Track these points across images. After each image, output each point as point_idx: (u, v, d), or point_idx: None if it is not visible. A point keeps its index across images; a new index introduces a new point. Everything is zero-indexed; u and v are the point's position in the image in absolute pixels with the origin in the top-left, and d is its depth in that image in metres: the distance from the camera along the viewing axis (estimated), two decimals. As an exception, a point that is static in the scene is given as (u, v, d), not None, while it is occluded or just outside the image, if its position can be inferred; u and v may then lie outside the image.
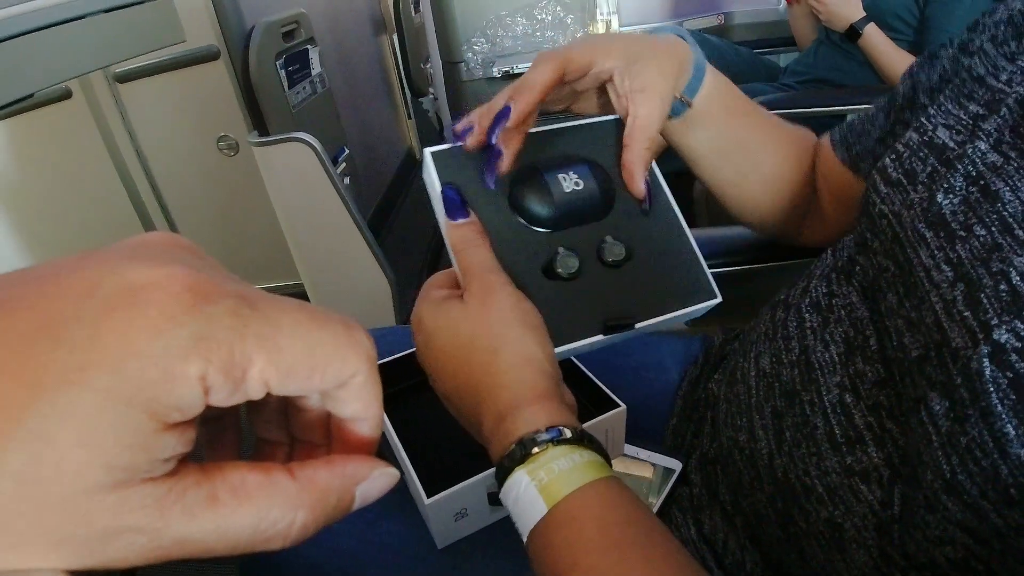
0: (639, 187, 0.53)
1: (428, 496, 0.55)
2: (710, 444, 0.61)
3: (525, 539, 0.39)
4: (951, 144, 0.46)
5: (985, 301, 0.36)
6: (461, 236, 0.48)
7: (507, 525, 0.61)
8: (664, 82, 0.56)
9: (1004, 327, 0.34)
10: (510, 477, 0.40)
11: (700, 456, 0.63)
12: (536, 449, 0.39)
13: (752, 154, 0.66)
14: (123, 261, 0.20)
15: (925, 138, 0.48)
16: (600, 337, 0.47)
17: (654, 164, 0.57)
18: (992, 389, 0.33)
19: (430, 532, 0.59)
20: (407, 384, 0.71)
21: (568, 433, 0.40)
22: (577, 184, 0.50)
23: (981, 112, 0.46)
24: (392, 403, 0.64)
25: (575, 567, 0.37)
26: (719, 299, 0.52)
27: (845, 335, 0.48)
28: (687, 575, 0.36)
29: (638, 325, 0.48)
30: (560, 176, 0.50)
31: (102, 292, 0.19)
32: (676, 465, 0.63)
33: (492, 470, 0.55)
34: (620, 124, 0.55)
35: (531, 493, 0.39)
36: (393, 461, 0.61)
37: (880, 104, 0.65)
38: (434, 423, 0.69)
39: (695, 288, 0.51)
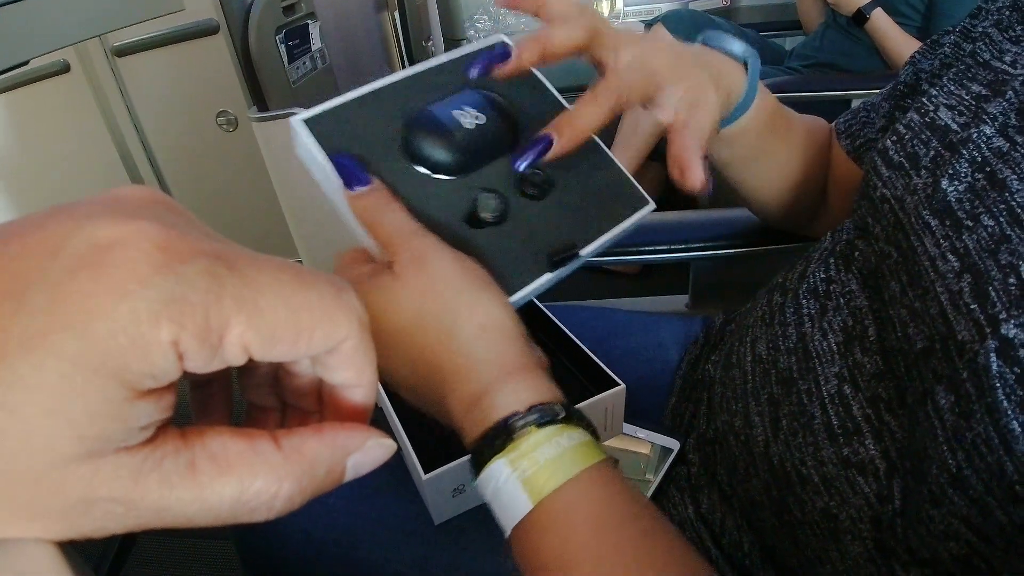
0: (696, 179, 0.48)
1: (426, 472, 0.54)
2: (707, 426, 0.61)
3: (507, 534, 0.36)
4: (954, 126, 0.45)
5: (993, 294, 0.35)
6: (369, 204, 0.41)
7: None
8: (715, 108, 0.51)
9: (1012, 322, 0.33)
10: (487, 467, 0.35)
11: (698, 436, 0.63)
12: (517, 435, 0.35)
13: (776, 165, 0.65)
14: (91, 217, 0.19)
15: (927, 119, 0.48)
16: (548, 275, 0.43)
17: (538, 73, 0.53)
18: (999, 385, 0.32)
19: (427, 507, 0.59)
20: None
21: (552, 412, 0.36)
22: (477, 118, 0.45)
23: (984, 93, 0.45)
24: (390, 379, 0.63)
25: (566, 567, 0.34)
26: (652, 204, 0.49)
27: (844, 324, 0.48)
28: (688, 573, 0.34)
29: (582, 251, 0.45)
30: (456, 113, 0.45)
31: (67, 251, 0.18)
32: (674, 444, 0.63)
33: None
34: (504, 45, 0.49)
35: (512, 487, 0.34)
36: (390, 435, 0.61)
37: (883, 92, 0.64)
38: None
39: (626, 199, 0.49)
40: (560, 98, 0.52)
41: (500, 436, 0.35)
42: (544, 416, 0.35)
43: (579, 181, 0.48)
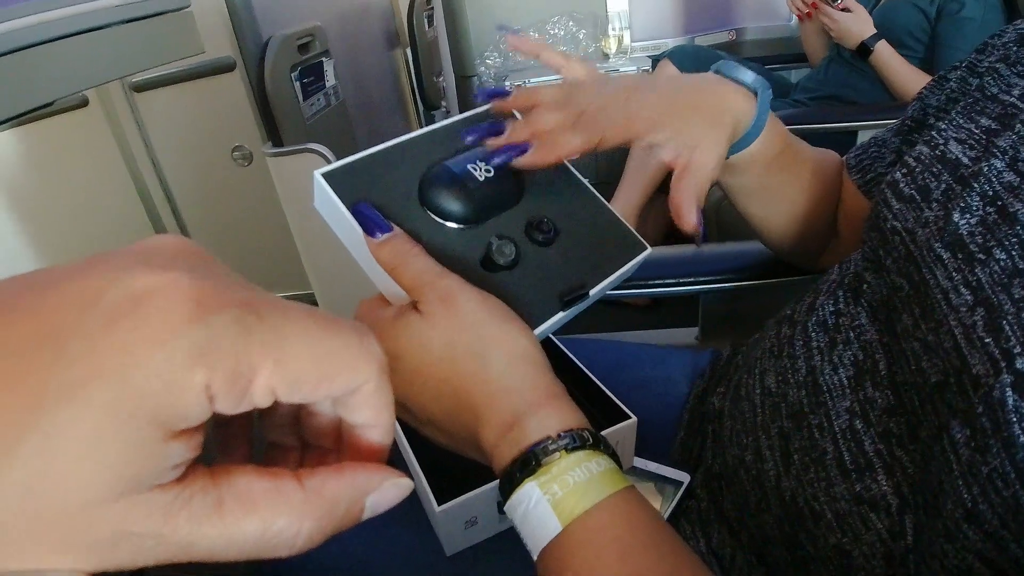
0: (690, 222, 0.52)
1: (439, 504, 0.55)
2: (713, 459, 0.61)
3: (535, 557, 0.37)
4: (965, 160, 0.45)
5: (1007, 328, 0.35)
6: (392, 250, 0.42)
7: (516, 535, 0.61)
8: (717, 145, 0.54)
9: None
10: (519, 490, 0.36)
11: (705, 471, 0.63)
12: (548, 459, 0.36)
13: (785, 196, 0.66)
14: (127, 269, 0.20)
15: (937, 152, 0.48)
16: (561, 314, 0.46)
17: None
18: (1015, 419, 0.33)
19: (439, 539, 0.60)
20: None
21: (582, 438, 0.37)
22: (488, 171, 0.49)
23: (994, 127, 0.46)
24: (403, 411, 0.64)
25: None
26: (649, 249, 0.53)
27: (854, 358, 0.48)
28: None
29: (591, 291, 0.48)
30: (470, 167, 0.48)
31: (104, 302, 0.19)
32: (684, 478, 0.63)
33: None
34: (486, 112, 0.54)
35: (543, 509, 0.35)
36: (404, 468, 0.62)
37: (892, 128, 0.65)
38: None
39: (626, 244, 0.53)
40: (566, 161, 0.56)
41: (532, 460, 0.36)
42: (574, 442, 0.37)
43: (582, 229, 0.52)
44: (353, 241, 0.44)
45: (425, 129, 0.51)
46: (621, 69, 2.45)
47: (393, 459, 0.62)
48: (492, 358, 0.39)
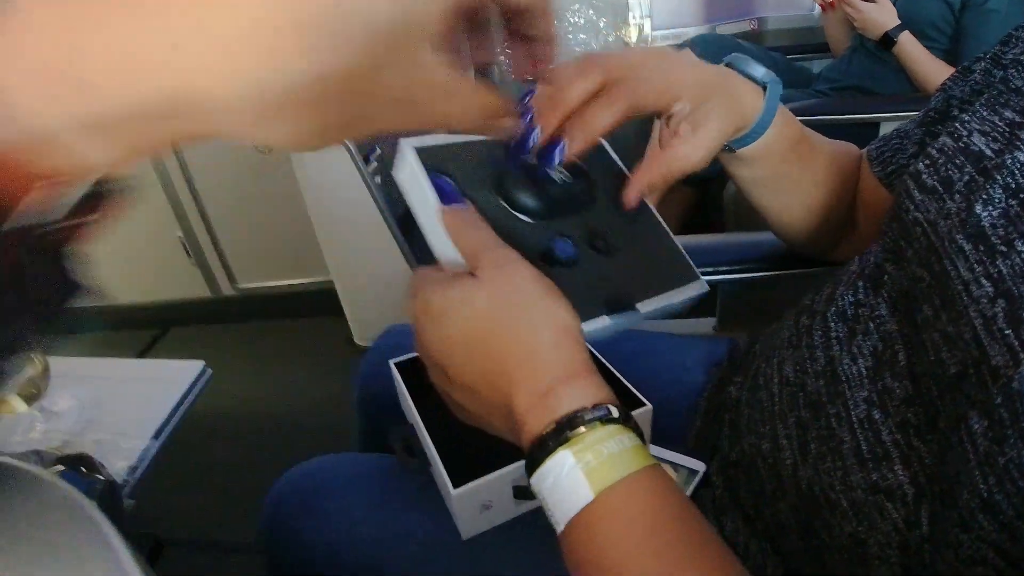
0: (630, 199, 0.53)
1: (455, 487, 0.56)
2: (730, 448, 0.61)
3: (561, 528, 0.37)
4: (988, 152, 0.45)
5: None
6: (460, 218, 0.44)
7: (531, 518, 0.62)
8: (719, 134, 0.54)
9: None
10: (550, 458, 0.36)
11: (721, 459, 0.63)
12: (583, 428, 0.36)
13: (799, 189, 0.66)
14: None
15: (960, 144, 0.48)
16: (606, 320, 0.47)
17: (611, 150, 0.58)
18: None
19: (455, 523, 0.60)
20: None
21: (615, 413, 0.38)
22: (563, 174, 0.51)
23: (1018, 120, 0.45)
24: (421, 396, 0.65)
25: (621, 568, 0.35)
26: (706, 287, 0.54)
27: (873, 349, 0.48)
28: (736, 572, 0.36)
29: (639, 306, 0.49)
30: (549, 168, 0.51)
31: None
32: (700, 467, 0.63)
33: (519, 463, 0.55)
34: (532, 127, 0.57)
35: (575, 477, 0.35)
36: (421, 453, 0.62)
37: (915, 120, 0.64)
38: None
39: (682, 275, 0.54)
40: (627, 171, 0.57)
41: (566, 429, 0.36)
42: (608, 415, 0.37)
43: (642, 250, 0.53)
44: (425, 210, 0.46)
45: None
46: (641, 58, 2.43)
47: (411, 445, 0.63)
48: (535, 325, 0.40)
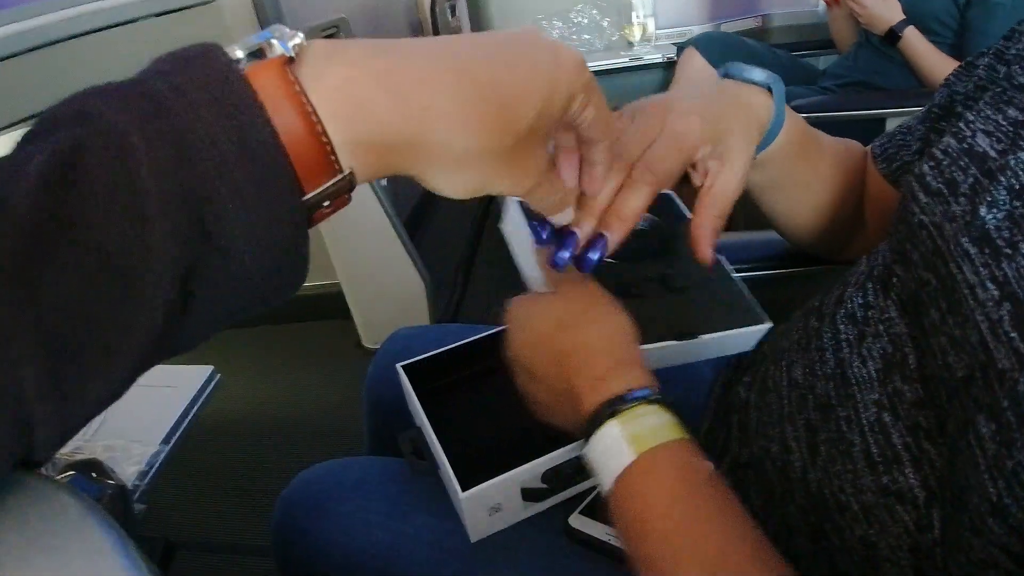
0: (705, 254, 0.53)
1: (463, 490, 0.56)
2: (740, 449, 0.61)
3: (607, 486, 0.43)
4: (992, 153, 0.45)
5: None
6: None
7: (540, 520, 0.62)
8: (746, 152, 0.55)
9: None
10: (601, 428, 0.44)
11: (730, 460, 0.63)
12: (629, 404, 0.44)
13: (809, 188, 0.66)
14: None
15: (964, 145, 0.48)
16: (669, 343, 0.53)
17: (688, 212, 0.62)
18: None
19: (464, 526, 0.60)
20: (444, 380, 0.73)
21: (658, 394, 0.45)
22: (641, 224, 0.56)
23: (1021, 118, 0.45)
24: (429, 399, 0.65)
25: (657, 510, 0.41)
26: (770, 324, 0.58)
27: (883, 352, 0.48)
28: (757, 536, 0.40)
29: (702, 336, 0.54)
30: None
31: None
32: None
33: (527, 466, 0.57)
34: (668, 197, 0.64)
35: (620, 443, 0.43)
36: (429, 456, 0.63)
37: (918, 116, 0.64)
38: (470, 419, 0.70)
39: (747, 315, 0.58)
40: (689, 215, 0.61)
41: (616, 404, 0.44)
42: (652, 395, 0.45)
43: (708, 291, 0.60)
44: (522, 249, 0.56)
45: None
46: (645, 58, 2.43)
47: (419, 448, 0.63)
48: (597, 326, 0.49)
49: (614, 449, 0.43)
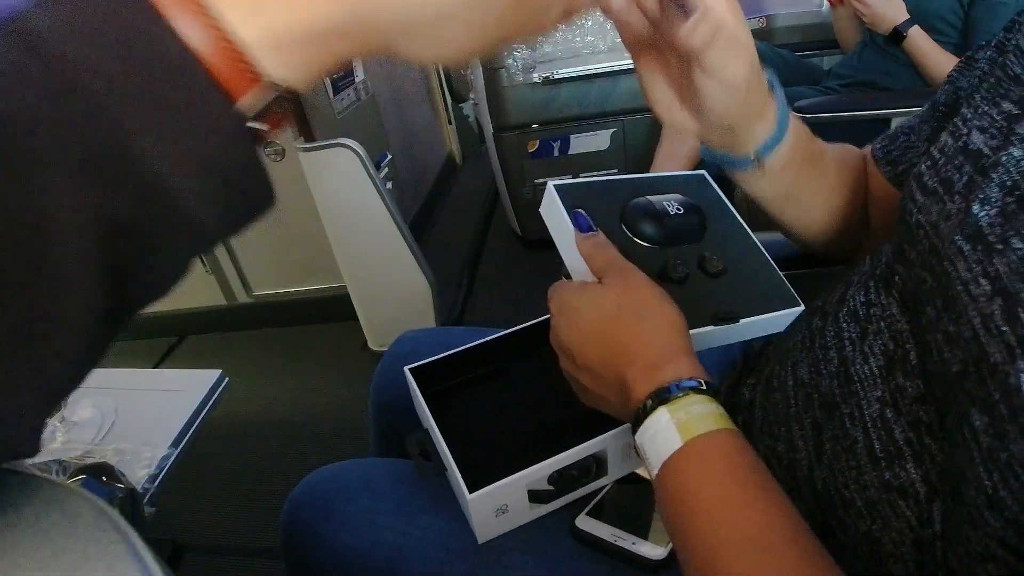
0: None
1: (470, 492, 0.56)
2: None
3: (656, 471, 0.45)
4: (986, 151, 0.45)
5: (1023, 316, 0.35)
6: (594, 242, 0.55)
7: (547, 522, 0.63)
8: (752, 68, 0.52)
9: None
10: (651, 416, 0.45)
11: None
12: (678, 393, 0.45)
13: (819, 197, 0.66)
14: None
15: (960, 143, 0.48)
16: (711, 328, 0.55)
17: (724, 196, 0.65)
18: None
19: (471, 527, 0.61)
20: (451, 383, 0.73)
21: (706, 384, 0.46)
22: (679, 209, 0.60)
23: (1015, 112, 0.45)
24: (436, 401, 0.65)
25: (703, 494, 0.42)
26: (802, 306, 0.60)
27: (885, 348, 0.48)
28: (800, 523, 0.41)
29: (741, 320, 0.56)
30: (664, 202, 0.60)
31: None
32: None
33: (534, 467, 0.57)
34: (703, 177, 0.67)
35: (669, 429, 0.44)
36: (436, 457, 0.63)
37: (922, 115, 0.64)
38: (477, 421, 0.70)
39: (782, 298, 0.60)
40: (736, 214, 0.66)
41: (665, 392, 0.46)
42: (700, 385, 0.46)
43: (747, 274, 0.61)
44: (563, 236, 0.57)
45: (635, 176, 0.66)
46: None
47: (427, 449, 0.63)
48: (649, 318, 0.50)
49: (663, 435, 0.44)
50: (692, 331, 0.52)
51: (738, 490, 0.42)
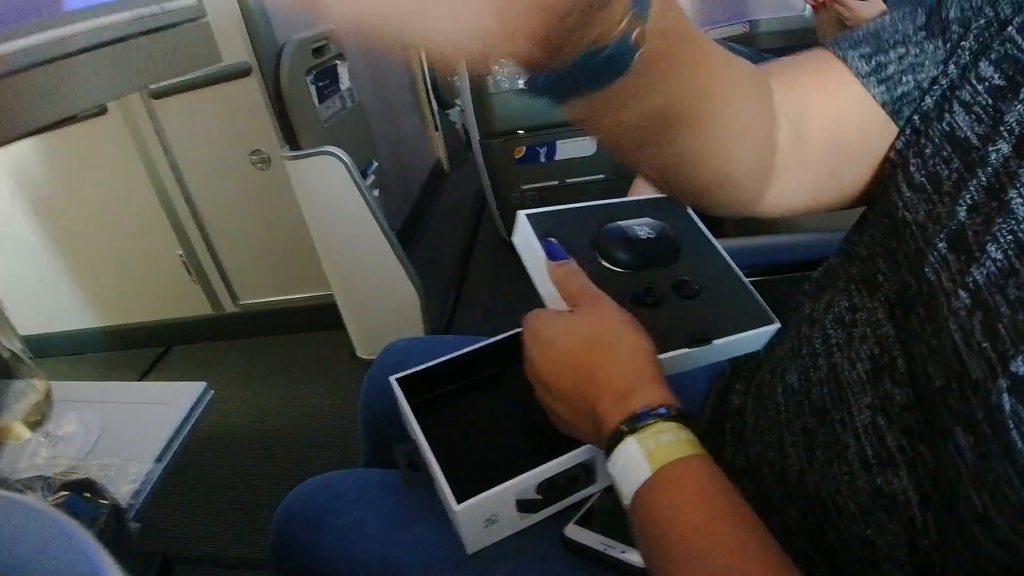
0: None
1: (458, 503, 0.56)
2: (734, 457, 0.61)
3: (628, 501, 0.45)
4: (975, 141, 0.44)
5: (1003, 331, 0.34)
6: (565, 271, 0.54)
7: (536, 531, 0.62)
8: None
9: (1021, 358, 0.33)
10: (621, 444, 0.45)
11: (725, 468, 0.62)
12: (647, 421, 0.45)
13: (707, 105, 0.48)
14: None
15: (946, 126, 0.46)
16: (685, 350, 0.54)
17: (696, 218, 0.64)
18: (1012, 425, 0.32)
19: (460, 537, 0.60)
20: (438, 392, 0.73)
21: (675, 411, 0.46)
22: (650, 233, 0.60)
23: (1002, 83, 0.44)
24: (423, 411, 0.65)
25: (675, 523, 0.42)
26: (778, 324, 0.59)
27: (870, 353, 0.47)
28: (773, 547, 0.41)
29: (716, 341, 0.55)
30: (636, 227, 0.60)
31: None
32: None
33: (521, 477, 0.57)
34: (669, 199, 0.66)
35: (638, 458, 0.44)
36: (424, 467, 0.63)
37: (904, 14, 0.52)
38: (464, 431, 0.70)
39: (756, 316, 0.60)
40: (709, 235, 0.65)
41: (636, 421, 0.45)
42: (669, 412, 0.46)
43: (720, 296, 0.60)
44: (535, 264, 0.57)
45: (607, 201, 0.65)
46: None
47: (414, 460, 0.63)
48: (619, 346, 0.49)
49: (633, 464, 0.44)
50: (668, 354, 0.52)
51: (709, 516, 0.42)
